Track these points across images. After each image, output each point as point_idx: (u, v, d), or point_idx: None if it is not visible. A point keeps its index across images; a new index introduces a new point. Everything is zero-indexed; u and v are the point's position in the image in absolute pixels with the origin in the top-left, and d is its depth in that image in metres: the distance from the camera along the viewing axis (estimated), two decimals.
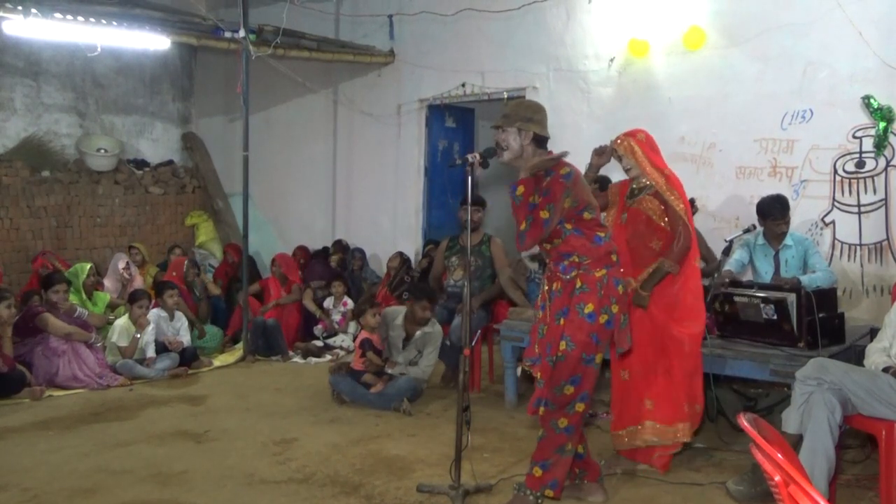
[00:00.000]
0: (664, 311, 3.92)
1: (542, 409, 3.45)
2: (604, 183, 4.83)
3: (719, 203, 6.15)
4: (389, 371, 5.35)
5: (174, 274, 7.35)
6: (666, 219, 3.96)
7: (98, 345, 6.06)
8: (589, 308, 3.37)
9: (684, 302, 3.96)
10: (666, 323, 3.91)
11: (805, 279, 4.52)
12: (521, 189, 3.37)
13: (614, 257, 3.50)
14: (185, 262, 7.51)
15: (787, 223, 4.89)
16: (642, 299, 3.89)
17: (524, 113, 3.48)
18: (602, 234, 3.48)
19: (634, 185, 4.09)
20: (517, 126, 3.43)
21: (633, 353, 3.85)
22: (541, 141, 3.47)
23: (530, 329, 3.75)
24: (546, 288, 3.56)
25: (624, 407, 4.05)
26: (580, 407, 3.42)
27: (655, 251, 3.98)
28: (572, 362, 3.36)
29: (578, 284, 3.41)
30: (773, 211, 4.83)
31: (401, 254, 7.83)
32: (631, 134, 4.09)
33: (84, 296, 6.64)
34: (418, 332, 5.41)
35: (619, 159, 4.09)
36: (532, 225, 3.36)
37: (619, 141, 4.07)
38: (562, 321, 3.41)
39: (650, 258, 3.97)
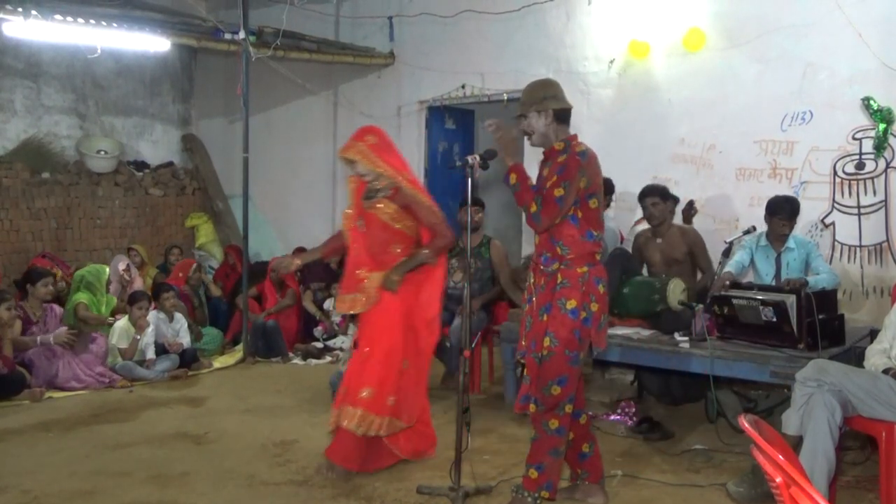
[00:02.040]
0: (410, 298, 3.98)
1: (532, 406, 3.45)
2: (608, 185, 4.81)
3: (719, 204, 6.14)
4: None
5: (180, 275, 7.34)
6: (405, 222, 3.97)
7: (99, 334, 6.07)
8: (571, 304, 3.36)
9: (426, 293, 4.05)
10: (409, 312, 3.98)
11: (809, 280, 4.52)
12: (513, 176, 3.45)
13: (598, 257, 3.50)
14: (193, 266, 7.47)
15: (791, 227, 4.89)
16: (393, 283, 3.92)
17: (538, 93, 3.49)
18: (596, 233, 3.46)
19: (369, 187, 4.03)
20: (534, 109, 3.46)
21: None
22: (561, 115, 3.49)
23: (520, 322, 3.73)
24: (532, 281, 3.57)
25: (349, 386, 4.04)
26: (569, 408, 3.42)
27: (398, 256, 3.98)
28: (558, 360, 3.35)
29: (560, 279, 3.41)
30: (781, 211, 4.82)
31: None
32: (359, 137, 3.98)
33: (105, 297, 6.61)
34: None
35: (352, 164, 3.99)
36: (545, 203, 3.34)
37: (347, 147, 3.98)
38: (545, 317, 3.41)
39: (393, 263, 3.99)
